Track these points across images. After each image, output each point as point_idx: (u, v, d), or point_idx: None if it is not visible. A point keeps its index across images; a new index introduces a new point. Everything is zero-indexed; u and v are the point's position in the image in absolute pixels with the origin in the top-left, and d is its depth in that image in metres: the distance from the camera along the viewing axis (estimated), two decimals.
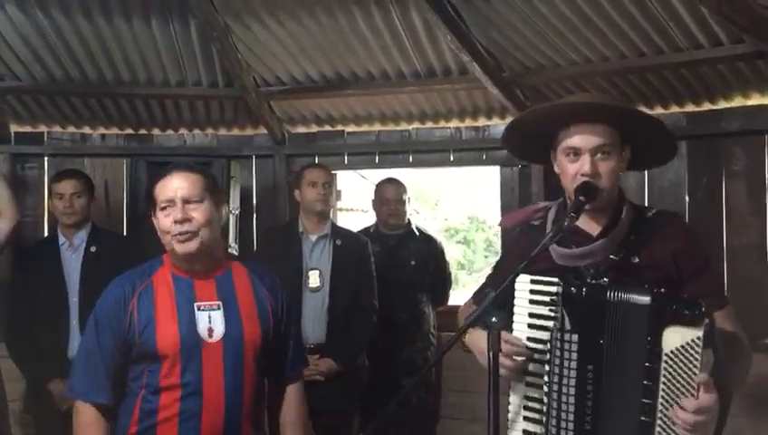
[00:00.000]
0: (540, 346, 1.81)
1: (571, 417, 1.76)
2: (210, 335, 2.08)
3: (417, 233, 4.28)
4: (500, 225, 2.35)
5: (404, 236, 4.22)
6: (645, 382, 1.67)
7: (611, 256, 1.83)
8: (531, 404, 1.84)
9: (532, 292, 1.83)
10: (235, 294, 2.16)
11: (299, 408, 2.34)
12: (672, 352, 1.64)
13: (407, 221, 4.26)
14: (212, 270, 2.17)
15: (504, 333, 1.74)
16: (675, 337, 1.63)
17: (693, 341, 1.61)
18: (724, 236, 3.91)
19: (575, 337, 1.76)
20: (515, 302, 1.85)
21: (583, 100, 2.00)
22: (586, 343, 1.75)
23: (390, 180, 4.26)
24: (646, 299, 1.68)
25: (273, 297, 2.25)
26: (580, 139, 1.85)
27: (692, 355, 1.61)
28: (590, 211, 1.88)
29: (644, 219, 1.90)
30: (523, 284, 1.84)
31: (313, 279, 3.60)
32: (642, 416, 1.67)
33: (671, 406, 1.64)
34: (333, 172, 3.99)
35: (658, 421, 1.66)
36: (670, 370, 1.64)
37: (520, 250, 1.97)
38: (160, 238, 2.13)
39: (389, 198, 4.18)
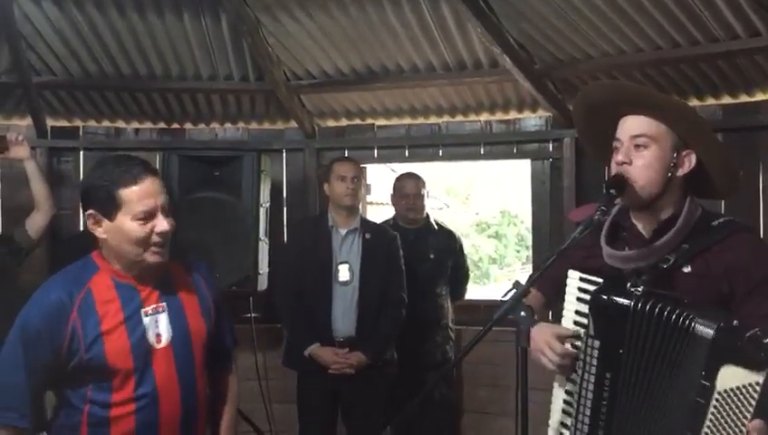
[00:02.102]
0: (580, 343, 1.81)
1: (587, 420, 1.78)
2: (159, 341, 1.97)
3: (436, 227, 4.29)
4: (569, 217, 2.32)
5: (422, 229, 4.24)
6: (690, 416, 1.60)
7: (661, 264, 1.77)
8: (567, 398, 1.87)
9: (579, 289, 1.83)
10: (177, 293, 2.05)
11: (233, 401, 2.24)
12: (726, 391, 1.56)
13: (425, 215, 4.26)
14: (155, 273, 2.02)
15: (558, 330, 1.79)
16: (733, 377, 1.55)
17: (751, 384, 1.53)
18: (761, 231, 3.83)
19: (597, 343, 1.75)
20: (566, 296, 1.86)
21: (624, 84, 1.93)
22: (606, 350, 1.74)
23: (409, 175, 4.28)
24: (708, 332, 1.59)
25: (210, 286, 2.15)
26: (620, 130, 1.84)
27: (747, 399, 1.54)
28: (644, 211, 1.84)
29: (708, 227, 1.80)
30: (573, 280, 1.84)
31: (343, 273, 3.62)
32: None
33: None
34: (363, 166, 3.99)
35: None
36: (720, 409, 1.57)
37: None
38: (119, 245, 1.95)
39: (408, 193, 4.21)
